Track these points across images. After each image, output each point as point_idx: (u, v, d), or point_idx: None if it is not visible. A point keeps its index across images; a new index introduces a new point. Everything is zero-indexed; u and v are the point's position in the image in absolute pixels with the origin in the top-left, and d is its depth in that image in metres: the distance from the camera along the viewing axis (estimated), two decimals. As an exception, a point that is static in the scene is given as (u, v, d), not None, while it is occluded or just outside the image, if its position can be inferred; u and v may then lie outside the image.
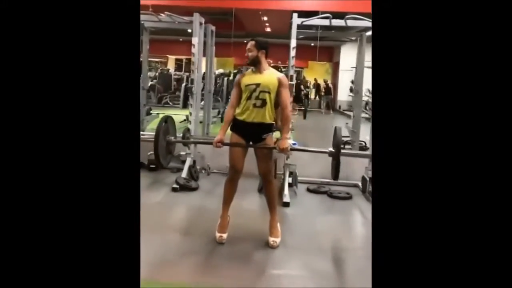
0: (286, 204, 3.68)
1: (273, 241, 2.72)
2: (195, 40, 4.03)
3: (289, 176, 4.13)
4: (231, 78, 14.81)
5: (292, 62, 3.93)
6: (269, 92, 2.65)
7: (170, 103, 12.08)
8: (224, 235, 2.75)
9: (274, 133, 2.81)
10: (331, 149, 2.82)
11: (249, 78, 2.69)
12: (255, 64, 2.68)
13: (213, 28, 4.86)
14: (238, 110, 2.72)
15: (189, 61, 19.20)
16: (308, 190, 4.22)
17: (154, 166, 4.60)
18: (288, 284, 2.28)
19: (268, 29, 10.47)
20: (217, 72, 14.56)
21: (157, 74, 13.66)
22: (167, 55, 19.07)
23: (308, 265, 2.50)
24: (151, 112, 6.28)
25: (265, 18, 9.42)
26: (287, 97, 2.70)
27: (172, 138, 2.84)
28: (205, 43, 4.63)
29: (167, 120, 2.79)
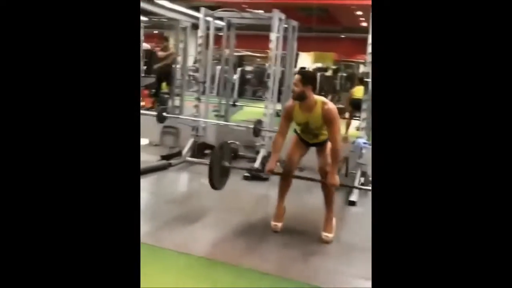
0: (352, 203, 3.63)
1: (325, 236, 2.75)
2: (273, 36, 4.15)
3: (361, 176, 4.05)
4: (327, 73, 14.69)
5: (369, 58, 3.83)
6: (318, 129, 2.76)
7: (264, 96, 12.42)
8: (279, 224, 2.86)
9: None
10: None
11: (298, 115, 2.76)
12: (301, 99, 2.69)
13: (295, 23, 4.93)
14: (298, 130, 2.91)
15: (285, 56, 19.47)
16: (381, 191, 4.08)
17: (233, 154, 4.88)
18: (326, 278, 2.29)
19: (364, 24, 10.10)
20: (314, 66, 14.57)
21: (252, 68, 14.13)
22: (267, 50, 19.55)
23: (356, 264, 2.48)
24: (236, 103, 6.62)
25: (360, 13, 9.11)
26: (335, 133, 2.67)
27: (226, 163, 2.99)
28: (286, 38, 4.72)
29: (223, 146, 2.96)
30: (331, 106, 2.69)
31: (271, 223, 2.87)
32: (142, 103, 6.82)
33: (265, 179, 4.15)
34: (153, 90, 6.80)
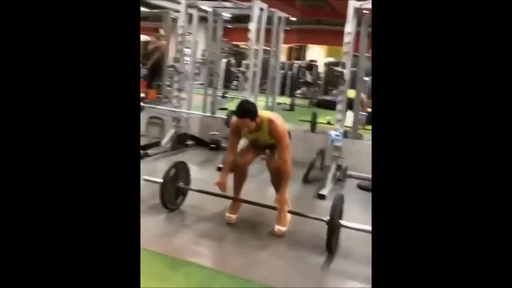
0: (322, 197, 3.54)
1: (278, 229, 2.68)
2: (251, 26, 4.08)
3: (337, 170, 3.95)
4: (339, 68, 14.45)
5: (346, 48, 3.72)
6: (268, 142, 2.74)
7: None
8: (233, 216, 2.81)
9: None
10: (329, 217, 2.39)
11: (246, 133, 2.73)
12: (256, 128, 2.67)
13: (282, 14, 4.83)
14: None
15: (298, 48, 19.22)
16: (359, 186, 3.98)
17: (214, 146, 4.85)
18: (267, 274, 2.23)
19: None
20: (326, 60, 14.37)
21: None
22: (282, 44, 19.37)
23: (301, 257, 2.41)
24: (226, 95, 6.54)
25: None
26: (282, 151, 2.62)
27: (182, 184, 2.91)
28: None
29: (177, 165, 2.88)
30: (278, 122, 2.62)
31: (226, 214, 2.82)
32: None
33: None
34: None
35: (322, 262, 2.38)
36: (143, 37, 7.23)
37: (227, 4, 4.42)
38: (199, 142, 5.00)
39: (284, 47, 19.70)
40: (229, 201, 2.91)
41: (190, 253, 2.36)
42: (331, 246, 2.39)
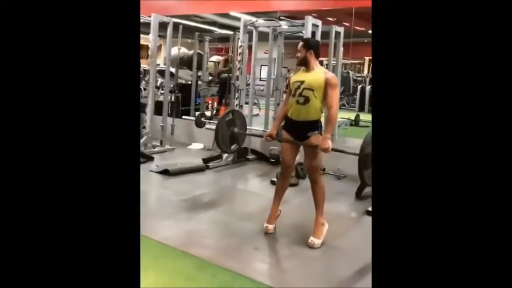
0: (370, 213, 3.43)
1: (311, 240, 2.69)
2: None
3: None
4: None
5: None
6: (312, 90, 2.66)
7: (346, 105, 12.11)
8: (270, 226, 2.88)
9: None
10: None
11: (297, 76, 2.78)
12: (304, 64, 2.74)
13: (340, 29, 4.84)
14: (289, 108, 2.81)
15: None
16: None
17: (273, 160, 4.98)
18: (287, 279, 2.27)
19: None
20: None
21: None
22: (364, 57, 18.90)
23: (330, 270, 2.40)
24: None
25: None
26: (333, 98, 2.66)
27: (236, 129, 3.19)
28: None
29: (233, 112, 3.20)
30: (333, 75, 2.78)
31: (264, 225, 2.90)
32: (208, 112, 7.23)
33: (293, 185, 4.11)
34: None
35: (349, 276, 2.35)
36: (216, 58, 7.71)
37: (282, 22, 4.58)
38: (260, 156, 5.17)
39: (367, 60, 19.17)
40: (294, 216, 3.00)
41: (221, 256, 2.48)
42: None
